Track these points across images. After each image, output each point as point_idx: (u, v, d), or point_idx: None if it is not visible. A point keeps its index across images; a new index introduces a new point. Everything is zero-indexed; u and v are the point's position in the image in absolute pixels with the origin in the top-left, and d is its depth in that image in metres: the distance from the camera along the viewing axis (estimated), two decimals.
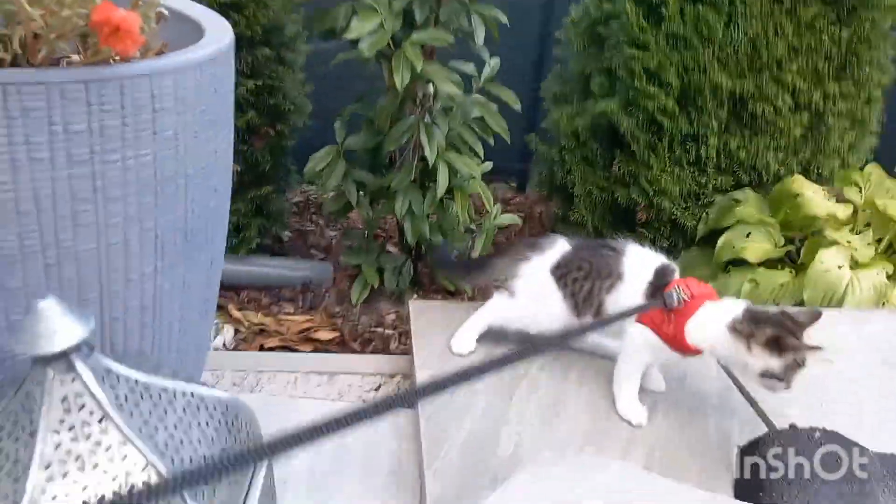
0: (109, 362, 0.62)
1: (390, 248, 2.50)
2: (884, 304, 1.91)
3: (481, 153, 2.05)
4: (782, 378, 1.25)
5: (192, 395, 0.67)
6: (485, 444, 1.28)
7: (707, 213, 2.40)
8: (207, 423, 0.67)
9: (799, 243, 2.27)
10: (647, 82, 2.26)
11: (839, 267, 1.96)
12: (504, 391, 1.43)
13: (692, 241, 2.48)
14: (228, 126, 0.98)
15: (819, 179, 2.40)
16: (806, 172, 2.39)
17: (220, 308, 2.29)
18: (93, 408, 0.58)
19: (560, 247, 1.50)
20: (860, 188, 2.36)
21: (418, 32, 1.64)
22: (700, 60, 2.22)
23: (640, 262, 1.40)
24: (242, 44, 2.11)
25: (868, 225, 2.28)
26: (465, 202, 2.07)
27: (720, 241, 2.27)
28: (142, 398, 0.63)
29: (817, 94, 2.27)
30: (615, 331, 1.41)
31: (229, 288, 2.39)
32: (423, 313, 1.75)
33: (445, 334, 1.58)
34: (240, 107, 2.17)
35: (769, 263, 2.22)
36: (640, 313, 1.34)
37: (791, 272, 2.10)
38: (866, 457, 1.24)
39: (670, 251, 2.55)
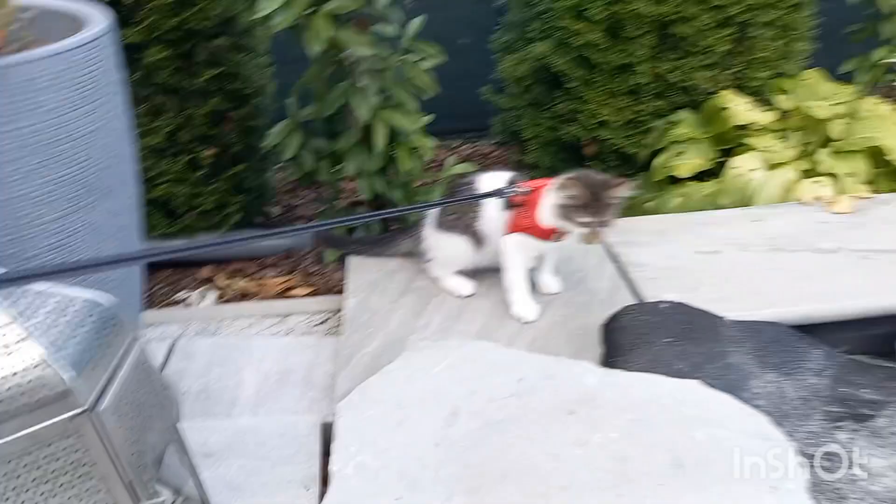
0: None
1: (360, 208, 2.73)
2: (797, 199, 2.02)
3: (415, 108, 2.23)
4: (573, 220, 1.45)
5: (62, 295, 0.92)
6: (392, 351, 1.50)
7: (648, 140, 2.54)
8: (77, 317, 0.93)
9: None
10: (574, 19, 2.40)
11: (751, 170, 2.08)
12: (417, 308, 1.65)
13: (640, 168, 2.62)
14: (113, 97, 1.22)
15: (754, 92, 2.50)
16: (739, 87, 2.49)
17: (209, 280, 2.59)
18: None
19: (431, 211, 1.74)
20: (790, 95, 2.44)
21: (329, 3, 1.85)
22: None
23: (492, 185, 1.60)
24: (199, 37, 2.36)
25: (802, 129, 2.38)
26: (407, 156, 2.27)
27: (655, 162, 2.41)
28: (22, 297, 0.89)
29: (738, 8, 2.36)
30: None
31: (219, 262, 2.69)
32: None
33: (376, 270, 1.82)
34: (203, 94, 2.43)
35: (702, 177, 2.35)
36: (507, 227, 1.56)
37: (718, 182, 2.23)
38: (717, 322, 1.41)
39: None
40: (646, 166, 2.56)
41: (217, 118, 2.51)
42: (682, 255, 1.77)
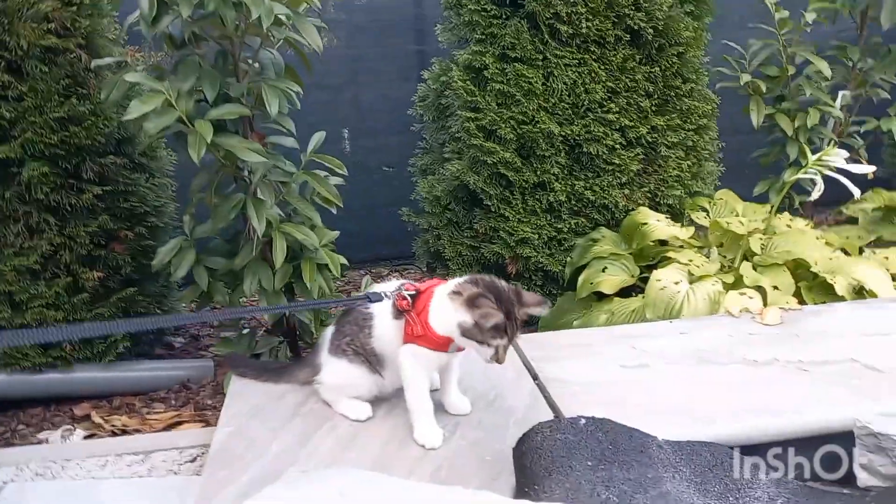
0: None
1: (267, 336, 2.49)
2: (723, 310, 1.91)
3: (318, 223, 2.09)
4: (481, 339, 1.26)
5: None
6: (264, 485, 1.23)
7: (570, 257, 2.45)
8: None
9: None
10: (484, 139, 2.37)
11: (676, 283, 1.98)
12: (304, 435, 1.39)
13: (565, 286, 2.50)
14: None
15: (669, 210, 2.48)
16: (655, 205, 2.47)
17: (86, 417, 2.24)
18: None
19: (327, 331, 1.55)
20: (707, 212, 2.43)
21: (214, 109, 1.73)
22: (528, 113, 2.35)
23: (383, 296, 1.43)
24: (86, 153, 2.21)
25: (721, 245, 2.33)
26: (312, 273, 2.09)
27: (579, 279, 2.30)
28: None
29: (644, 129, 2.39)
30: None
31: (100, 397, 2.35)
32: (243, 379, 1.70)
33: (262, 394, 1.56)
34: (90, 213, 2.24)
35: (627, 292, 2.24)
36: (403, 336, 1.37)
37: (643, 297, 2.12)
38: (647, 442, 1.21)
39: (546, 298, 2.57)
40: (571, 283, 2.45)
41: (106, 238, 2.30)
42: (607, 369, 1.60)
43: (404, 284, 1.39)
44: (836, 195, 2.78)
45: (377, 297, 1.40)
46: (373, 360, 1.44)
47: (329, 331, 1.54)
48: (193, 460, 1.53)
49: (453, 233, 2.60)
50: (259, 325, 2.61)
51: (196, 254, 2.10)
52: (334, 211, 2.19)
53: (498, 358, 1.30)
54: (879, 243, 2.48)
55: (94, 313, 2.26)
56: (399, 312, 1.37)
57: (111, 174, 2.28)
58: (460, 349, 1.36)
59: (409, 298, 1.36)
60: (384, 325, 1.41)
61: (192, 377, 2.48)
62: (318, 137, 2.08)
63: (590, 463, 1.13)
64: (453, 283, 1.34)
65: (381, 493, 1.00)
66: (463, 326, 1.27)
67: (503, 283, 1.33)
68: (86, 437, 1.98)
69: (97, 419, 2.16)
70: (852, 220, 2.72)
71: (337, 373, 1.47)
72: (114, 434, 2.02)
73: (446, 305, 1.30)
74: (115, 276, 2.33)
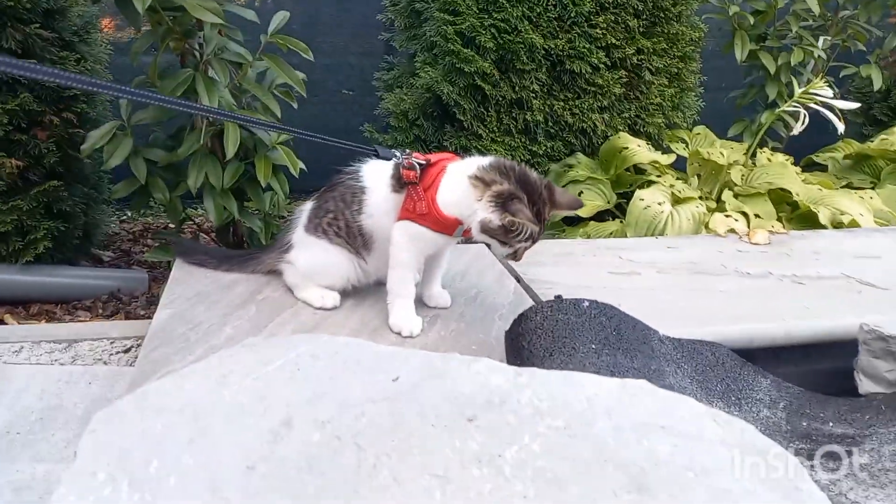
0: None
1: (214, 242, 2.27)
2: (710, 233, 1.82)
3: (278, 114, 1.87)
4: (504, 241, 1.12)
5: None
6: None
7: None
8: None
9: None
10: (462, 46, 2.19)
11: (659, 203, 1.88)
12: (259, 321, 1.21)
13: None
14: None
15: (648, 139, 2.37)
16: (634, 132, 2.36)
17: None
18: None
19: (305, 206, 1.35)
20: (687, 144, 2.34)
21: None
22: (511, 21, 2.18)
23: (378, 166, 1.25)
24: (6, 17, 1.92)
25: (699, 176, 2.24)
26: (268, 171, 1.87)
27: None
28: None
29: (630, 49, 2.26)
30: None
31: (14, 302, 2.09)
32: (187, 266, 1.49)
33: (209, 281, 1.36)
34: (9, 88, 1.95)
35: (603, 217, 2.13)
36: (399, 213, 1.19)
37: (620, 221, 2.01)
38: (649, 335, 1.09)
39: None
40: None
41: (28, 122, 2.01)
42: (596, 274, 1.48)
43: (409, 153, 1.20)
44: (802, 147, 2.75)
45: (387, 154, 1.21)
46: (357, 243, 1.25)
47: (307, 205, 1.33)
48: (127, 351, 1.33)
49: (421, 150, 2.41)
50: (201, 231, 2.38)
51: (134, 145, 1.86)
52: (295, 105, 1.98)
53: (516, 257, 1.15)
54: (849, 189, 2.45)
55: (10, 205, 1.99)
56: (400, 185, 1.19)
57: (37, 48, 1.99)
58: (466, 234, 1.19)
59: (417, 168, 1.17)
60: (378, 200, 1.22)
61: (123, 288, 2.24)
62: (281, 16, 1.85)
63: (594, 346, 1.00)
64: (474, 162, 1.16)
65: (365, 355, 0.84)
66: (486, 225, 1.10)
67: (534, 173, 1.16)
68: None
69: (11, 322, 1.91)
70: (821, 168, 2.68)
71: (313, 254, 1.27)
72: None
73: (464, 189, 1.12)
74: (36, 167, 2.05)
